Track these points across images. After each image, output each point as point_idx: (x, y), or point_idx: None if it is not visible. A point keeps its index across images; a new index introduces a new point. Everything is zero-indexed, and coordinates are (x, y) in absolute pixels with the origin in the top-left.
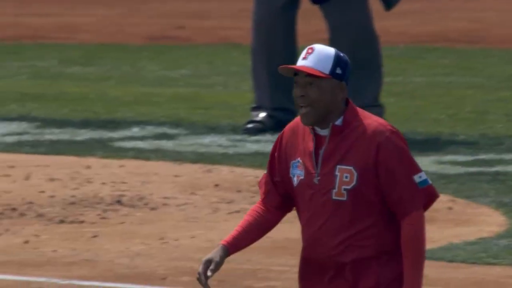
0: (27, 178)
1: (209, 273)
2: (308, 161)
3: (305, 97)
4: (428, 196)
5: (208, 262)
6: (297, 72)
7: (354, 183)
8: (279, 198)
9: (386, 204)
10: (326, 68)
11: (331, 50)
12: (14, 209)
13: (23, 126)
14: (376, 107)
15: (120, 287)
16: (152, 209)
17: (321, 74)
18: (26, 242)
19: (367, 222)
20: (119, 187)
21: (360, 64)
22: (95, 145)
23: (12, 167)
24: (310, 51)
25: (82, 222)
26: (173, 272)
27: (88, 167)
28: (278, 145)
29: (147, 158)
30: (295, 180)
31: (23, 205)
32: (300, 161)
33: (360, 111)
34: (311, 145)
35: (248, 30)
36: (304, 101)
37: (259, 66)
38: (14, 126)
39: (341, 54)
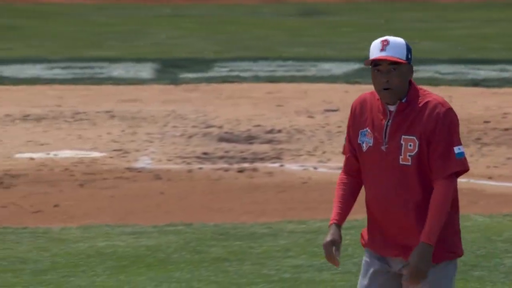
0: None
1: (336, 253)
2: (378, 130)
3: (389, 81)
4: (460, 166)
5: (331, 243)
6: (378, 62)
7: (416, 149)
8: (357, 163)
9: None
10: (403, 55)
11: (402, 40)
12: None
13: None
14: None
15: None
16: None
17: (402, 61)
18: None
19: (426, 184)
20: None
21: None
22: None
23: None
24: (385, 43)
25: None
26: None
27: None
28: (351, 117)
29: None
30: (364, 147)
31: None
32: (369, 130)
33: (422, 89)
34: (381, 117)
35: None
36: (388, 85)
37: None
38: None
39: (407, 42)
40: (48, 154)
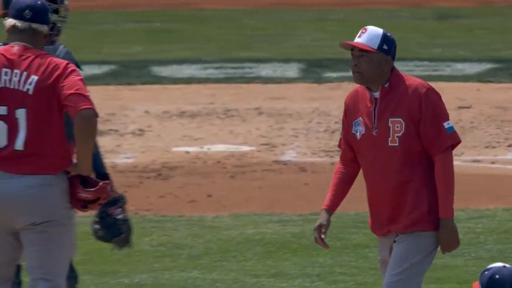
0: None
1: (323, 236)
2: (367, 118)
3: (358, 66)
4: (453, 139)
5: (319, 227)
6: (353, 48)
7: (403, 131)
8: (353, 153)
9: (422, 145)
10: (375, 44)
11: (380, 31)
12: None
13: None
14: None
15: None
16: None
17: (370, 49)
18: None
19: (412, 164)
20: None
21: None
22: None
23: None
24: (364, 31)
25: None
26: None
27: None
28: (345, 112)
29: None
30: (358, 135)
31: None
32: (361, 119)
33: (403, 75)
34: (369, 105)
35: None
36: (355, 69)
37: None
38: None
39: (388, 34)
40: (202, 148)
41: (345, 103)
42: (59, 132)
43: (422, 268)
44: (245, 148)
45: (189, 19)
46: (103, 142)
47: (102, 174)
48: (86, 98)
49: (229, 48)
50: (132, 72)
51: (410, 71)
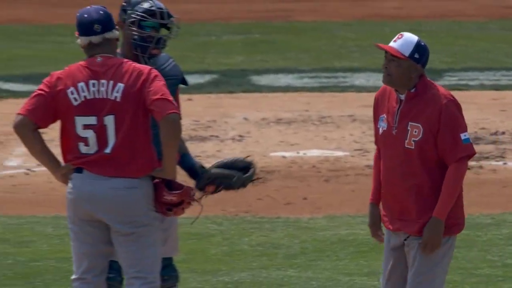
0: None
1: (380, 234)
2: (390, 116)
3: (387, 68)
4: (468, 150)
5: (373, 226)
6: (387, 51)
7: (420, 136)
8: None
9: (438, 154)
10: (407, 52)
11: (415, 39)
12: None
13: None
14: None
15: None
16: None
17: (400, 56)
18: None
19: (426, 168)
20: None
21: None
22: None
23: None
24: (400, 36)
25: None
26: None
27: None
28: (374, 106)
29: None
30: (380, 130)
31: None
32: (385, 116)
33: (431, 83)
34: (394, 105)
35: None
36: (385, 71)
37: None
38: None
39: (422, 43)
40: (298, 153)
41: (375, 97)
42: (145, 137)
43: (442, 268)
44: (339, 153)
45: (286, 30)
46: (205, 148)
47: (195, 165)
48: (171, 103)
49: (324, 58)
50: (232, 80)
51: (497, 80)
